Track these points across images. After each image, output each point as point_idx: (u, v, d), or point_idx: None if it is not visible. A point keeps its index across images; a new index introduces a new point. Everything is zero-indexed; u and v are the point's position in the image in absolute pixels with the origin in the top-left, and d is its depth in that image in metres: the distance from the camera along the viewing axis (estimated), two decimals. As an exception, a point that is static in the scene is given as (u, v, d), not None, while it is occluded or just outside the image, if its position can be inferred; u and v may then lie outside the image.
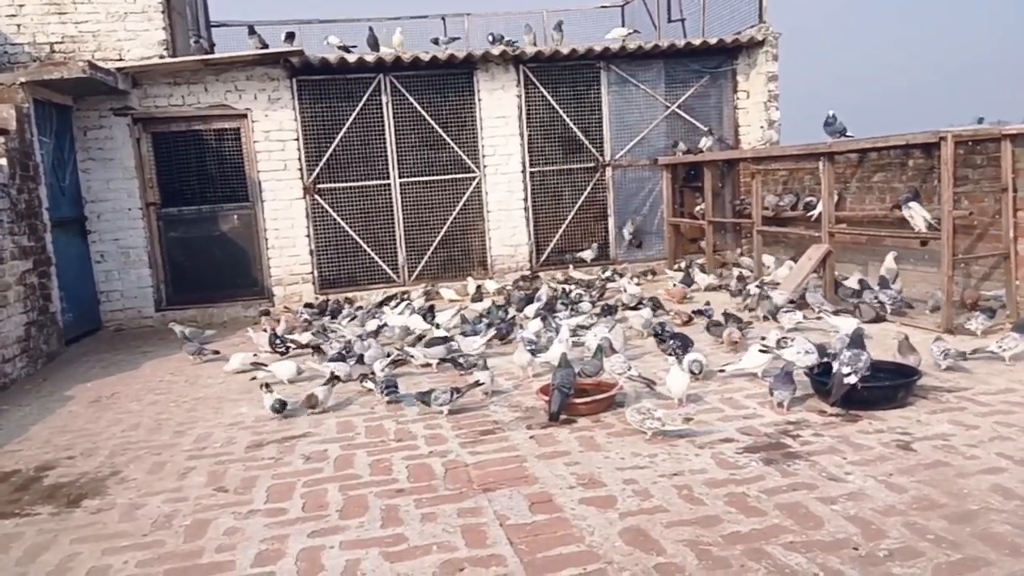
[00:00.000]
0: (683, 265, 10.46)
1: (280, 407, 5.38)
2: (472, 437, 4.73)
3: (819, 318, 7.10)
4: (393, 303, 9.00)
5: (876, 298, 7.24)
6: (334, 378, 5.67)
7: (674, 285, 9.29)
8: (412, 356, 6.58)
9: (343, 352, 6.53)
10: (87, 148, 9.56)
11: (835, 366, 4.79)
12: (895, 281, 7.60)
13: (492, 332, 7.01)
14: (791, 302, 7.54)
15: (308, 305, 9.47)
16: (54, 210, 8.50)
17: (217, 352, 7.60)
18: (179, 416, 5.69)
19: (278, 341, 7.36)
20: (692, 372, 5.35)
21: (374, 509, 3.76)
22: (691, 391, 5.16)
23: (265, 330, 7.88)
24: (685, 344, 6.05)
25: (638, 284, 9.25)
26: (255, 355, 7.06)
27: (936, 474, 3.72)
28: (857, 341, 4.83)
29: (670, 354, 5.92)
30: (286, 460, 4.56)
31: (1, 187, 7.23)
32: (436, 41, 10.80)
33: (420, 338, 7.32)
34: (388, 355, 6.49)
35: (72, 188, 9.30)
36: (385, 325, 7.68)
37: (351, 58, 9.88)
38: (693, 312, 7.68)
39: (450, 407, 5.19)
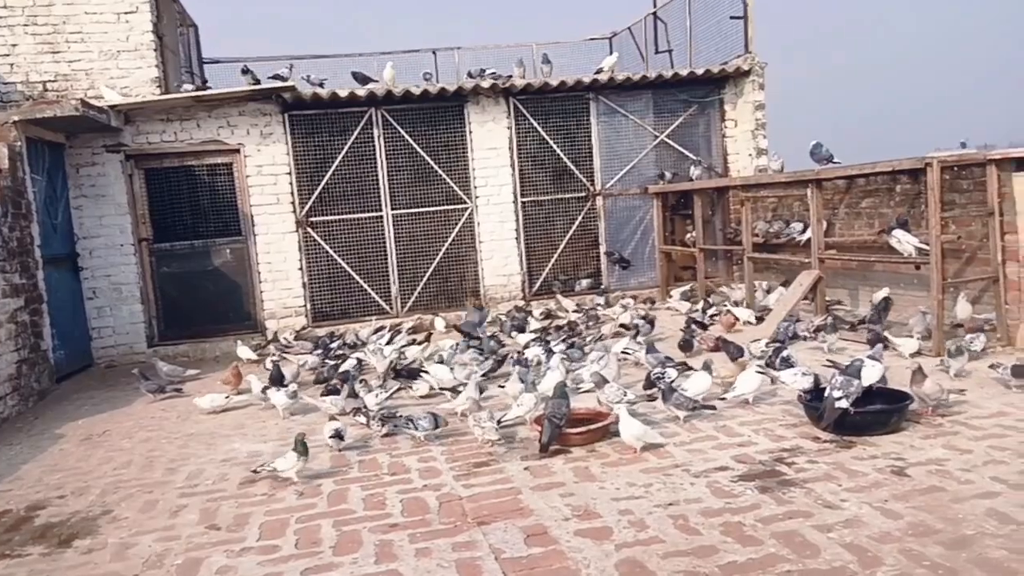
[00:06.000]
0: (687, 291, 10.44)
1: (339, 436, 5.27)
2: (466, 469, 4.71)
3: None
4: (377, 335, 9.02)
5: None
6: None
7: (726, 313, 8.86)
8: (412, 386, 6.63)
9: (334, 386, 6.54)
10: (80, 185, 9.58)
11: (827, 391, 4.81)
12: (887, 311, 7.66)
13: (489, 364, 7.01)
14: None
15: (301, 338, 9.43)
16: (46, 247, 8.50)
17: (179, 391, 7.58)
18: (171, 453, 5.65)
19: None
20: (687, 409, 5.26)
21: (368, 545, 3.73)
22: (658, 437, 4.84)
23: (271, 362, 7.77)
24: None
25: (641, 309, 9.25)
26: (227, 397, 6.90)
27: (931, 499, 3.72)
28: (853, 371, 4.84)
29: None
30: (279, 496, 4.52)
31: (-7, 225, 7.23)
32: (427, 77, 10.90)
33: (396, 371, 7.27)
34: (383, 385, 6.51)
35: (64, 225, 9.31)
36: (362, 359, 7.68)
37: (342, 92, 9.96)
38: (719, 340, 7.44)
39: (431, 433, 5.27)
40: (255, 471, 4.80)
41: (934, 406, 4.96)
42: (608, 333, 8.40)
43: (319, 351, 8.34)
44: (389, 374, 6.97)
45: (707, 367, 5.79)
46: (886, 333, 6.76)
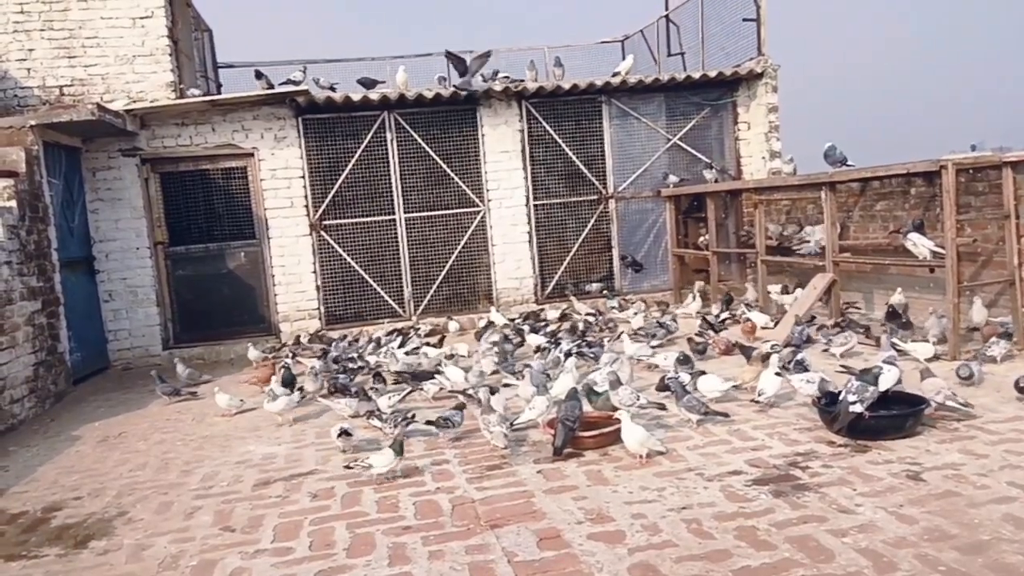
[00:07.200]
0: (696, 293, 10.37)
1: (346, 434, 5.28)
2: (479, 472, 4.71)
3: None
4: (389, 337, 9.03)
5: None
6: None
7: (745, 319, 8.64)
8: (424, 388, 6.64)
9: (338, 385, 6.58)
10: (96, 188, 9.67)
11: (842, 395, 4.78)
12: (905, 313, 7.59)
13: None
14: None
15: (315, 341, 9.47)
16: (63, 250, 8.58)
17: (194, 394, 7.64)
18: (186, 455, 5.68)
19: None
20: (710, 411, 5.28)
21: (381, 547, 3.74)
22: (660, 445, 4.79)
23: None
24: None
25: (656, 313, 9.22)
26: (241, 400, 6.93)
27: (947, 504, 3.69)
28: (871, 377, 4.80)
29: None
30: (293, 498, 4.55)
31: (10, 228, 7.30)
32: (442, 81, 10.92)
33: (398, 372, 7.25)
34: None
35: (81, 228, 9.39)
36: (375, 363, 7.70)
37: (355, 96, 10.00)
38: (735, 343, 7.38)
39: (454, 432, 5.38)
40: (348, 467, 4.78)
41: (938, 405, 4.94)
42: (625, 332, 8.40)
43: (330, 350, 8.36)
44: (391, 377, 6.96)
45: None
46: (894, 339, 6.68)
